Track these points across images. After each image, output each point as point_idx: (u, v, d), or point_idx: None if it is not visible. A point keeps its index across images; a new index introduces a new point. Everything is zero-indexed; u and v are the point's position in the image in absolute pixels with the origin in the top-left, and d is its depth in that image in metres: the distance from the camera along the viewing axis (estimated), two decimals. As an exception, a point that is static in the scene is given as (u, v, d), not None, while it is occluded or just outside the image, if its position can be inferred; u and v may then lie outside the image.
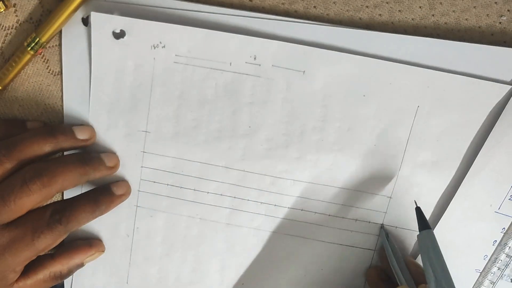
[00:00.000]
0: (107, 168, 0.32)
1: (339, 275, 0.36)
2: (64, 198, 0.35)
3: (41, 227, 0.29)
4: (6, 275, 0.29)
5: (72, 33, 0.32)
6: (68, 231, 0.30)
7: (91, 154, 0.32)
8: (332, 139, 0.33)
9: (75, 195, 0.33)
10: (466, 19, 0.31)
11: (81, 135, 0.32)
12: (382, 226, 0.34)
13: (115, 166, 0.33)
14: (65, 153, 0.33)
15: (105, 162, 0.32)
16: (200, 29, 0.31)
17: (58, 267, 0.32)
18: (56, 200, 0.32)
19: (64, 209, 0.30)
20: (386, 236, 0.33)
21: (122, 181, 0.34)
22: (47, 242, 0.29)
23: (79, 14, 0.31)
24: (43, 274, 0.31)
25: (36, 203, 0.29)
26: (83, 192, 0.34)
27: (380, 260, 0.35)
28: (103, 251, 0.35)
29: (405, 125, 0.33)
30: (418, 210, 0.31)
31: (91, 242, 0.34)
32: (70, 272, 0.33)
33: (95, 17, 0.31)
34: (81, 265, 0.34)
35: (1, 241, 0.28)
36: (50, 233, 0.29)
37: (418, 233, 0.30)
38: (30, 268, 0.31)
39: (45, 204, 0.31)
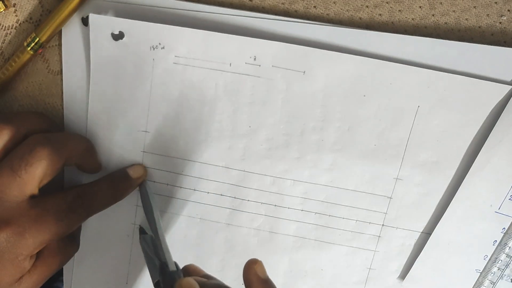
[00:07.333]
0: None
1: (340, 275, 0.36)
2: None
3: (64, 210, 0.28)
4: (22, 260, 0.27)
5: (72, 33, 0.32)
6: (89, 216, 0.30)
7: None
8: (332, 139, 0.33)
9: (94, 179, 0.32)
10: (466, 19, 0.31)
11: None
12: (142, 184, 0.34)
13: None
14: None
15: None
16: (200, 30, 0.31)
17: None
18: (76, 185, 0.32)
19: (85, 194, 0.30)
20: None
21: (137, 164, 0.34)
22: (68, 225, 0.28)
23: (79, 14, 0.31)
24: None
25: (46, 172, 0.28)
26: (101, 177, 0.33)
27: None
28: None
29: (405, 125, 0.32)
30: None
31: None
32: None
33: (93, 19, 0.31)
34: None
35: (25, 219, 0.27)
36: (72, 217, 0.28)
37: (419, 233, 0.29)
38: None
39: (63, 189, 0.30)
